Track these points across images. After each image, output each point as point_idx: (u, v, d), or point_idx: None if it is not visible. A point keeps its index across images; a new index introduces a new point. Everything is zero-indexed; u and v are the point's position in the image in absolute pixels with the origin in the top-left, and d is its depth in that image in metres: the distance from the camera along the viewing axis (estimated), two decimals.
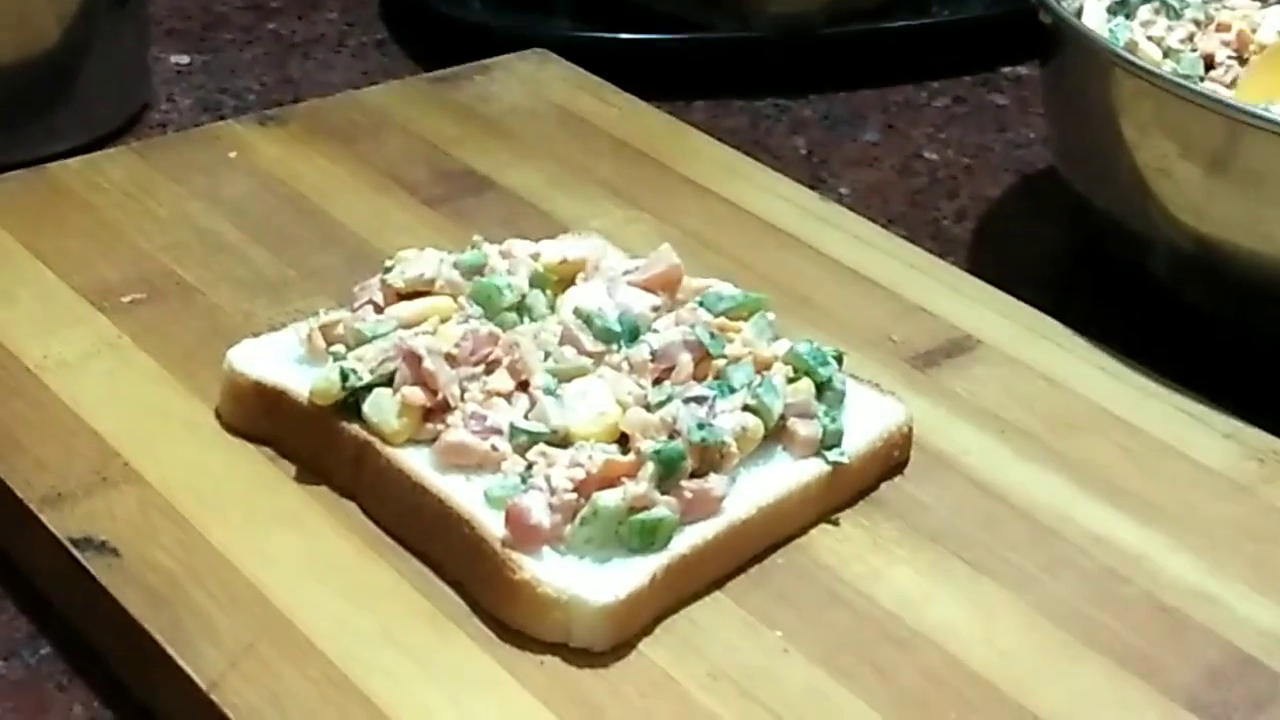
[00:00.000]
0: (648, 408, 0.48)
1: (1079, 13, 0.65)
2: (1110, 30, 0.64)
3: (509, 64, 0.75)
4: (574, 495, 0.45)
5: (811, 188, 0.69)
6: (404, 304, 0.52)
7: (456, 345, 0.49)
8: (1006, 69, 0.84)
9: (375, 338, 0.50)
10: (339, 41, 0.83)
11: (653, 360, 0.49)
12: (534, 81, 0.74)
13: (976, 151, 0.77)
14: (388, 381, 0.49)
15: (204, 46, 0.81)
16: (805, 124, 0.78)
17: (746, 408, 0.48)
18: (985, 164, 0.76)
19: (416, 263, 0.52)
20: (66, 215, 0.61)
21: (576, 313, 0.50)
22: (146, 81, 0.74)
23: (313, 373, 0.50)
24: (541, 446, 0.47)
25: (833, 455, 0.49)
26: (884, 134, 0.78)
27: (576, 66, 0.75)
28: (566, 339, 0.50)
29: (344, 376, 0.49)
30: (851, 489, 0.50)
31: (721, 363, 0.50)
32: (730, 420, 0.48)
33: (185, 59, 0.79)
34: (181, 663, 0.43)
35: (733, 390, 0.49)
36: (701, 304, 0.52)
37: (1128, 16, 0.68)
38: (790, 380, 0.50)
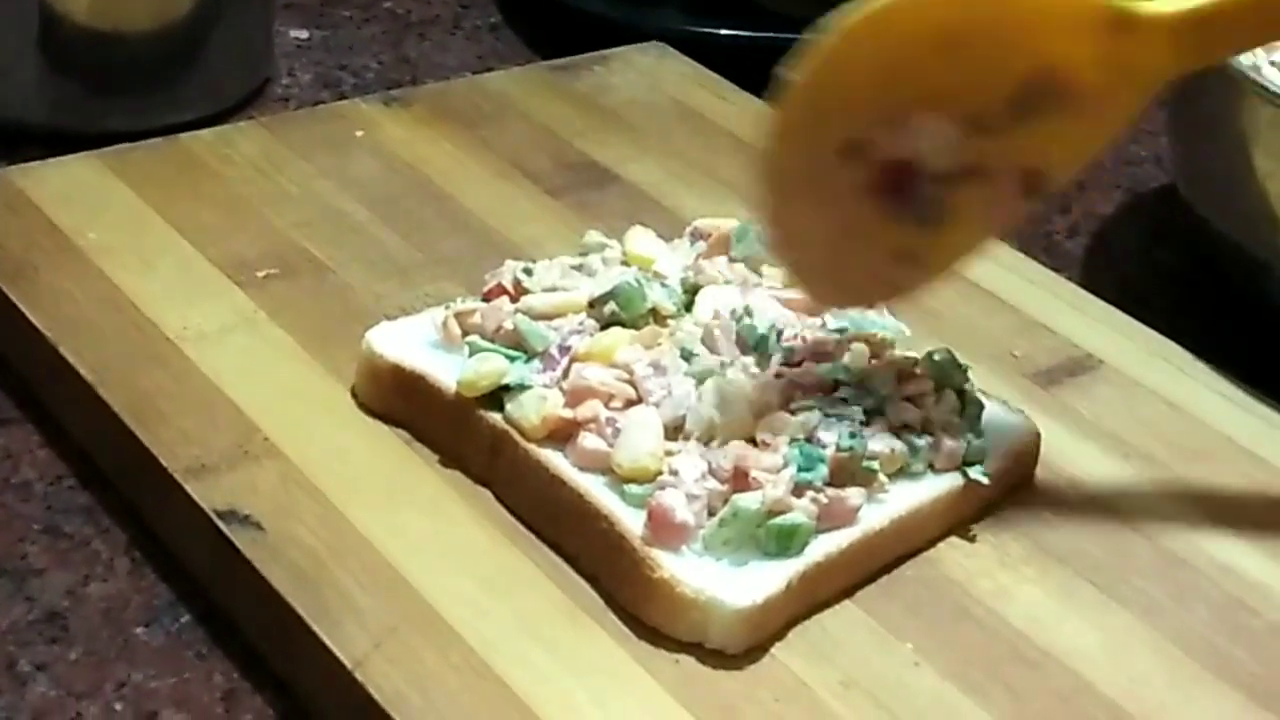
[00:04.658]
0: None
1: None
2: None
3: (627, 56, 0.75)
4: (721, 488, 0.46)
5: None
6: (537, 296, 0.52)
7: (625, 379, 0.49)
8: None
9: (531, 339, 0.50)
10: (454, 23, 0.83)
11: (778, 377, 0.49)
12: (652, 75, 0.74)
13: (1088, 167, 0.76)
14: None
15: (323, 22, 0.81)
16: None
17: (900, 428, 0.49)
18: (1097, 180, 0.76)
19: (549, 272, 0.53)
20: (199, 186, 0.62)
21: (731, 313, 0.51)
22: (269, 55, 0.75)
23: (449, 359, 0.51)
24: (680, 444, 0.47)
25: (973, 473, 0.49)
26: None
27: (693, 61, 0.75)
28: (707, 339, 0.50)
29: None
30: (980, 504, 0.51)
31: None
32: (879, 443, 0.48)
33: (304, 34, 0.80)
34: (328, 641, 0.43)
35: (870, 396, 0.49)
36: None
37: None
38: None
